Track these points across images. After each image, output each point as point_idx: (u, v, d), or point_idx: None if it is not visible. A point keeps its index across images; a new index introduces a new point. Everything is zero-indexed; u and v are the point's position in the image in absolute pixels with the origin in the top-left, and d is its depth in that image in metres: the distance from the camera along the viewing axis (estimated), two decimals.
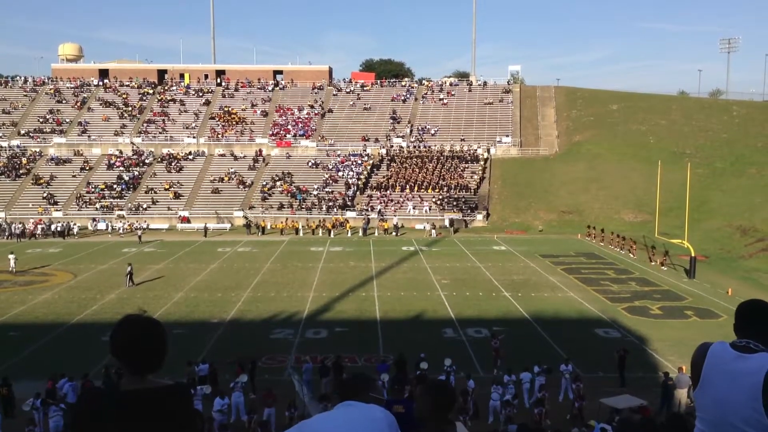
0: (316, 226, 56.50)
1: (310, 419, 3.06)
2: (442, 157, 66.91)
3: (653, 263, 42.12)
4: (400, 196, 61.36)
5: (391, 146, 69.95)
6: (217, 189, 63.92)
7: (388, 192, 62.09)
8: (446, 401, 3.46)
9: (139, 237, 52.17)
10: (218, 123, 74.33)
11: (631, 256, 44.66)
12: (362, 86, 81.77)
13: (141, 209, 60.64)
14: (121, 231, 55.69)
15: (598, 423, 14.91)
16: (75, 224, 56.62)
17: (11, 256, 39.97)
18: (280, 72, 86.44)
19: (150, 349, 2.88)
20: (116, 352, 2.87)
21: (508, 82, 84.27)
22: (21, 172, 66.09)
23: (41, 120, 74.17)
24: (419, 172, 64.22)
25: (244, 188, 64.08)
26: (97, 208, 60.71)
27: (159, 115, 75.55)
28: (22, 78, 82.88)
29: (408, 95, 79.47)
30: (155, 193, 63.21)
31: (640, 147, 67.08)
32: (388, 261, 42.60)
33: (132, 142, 71.18)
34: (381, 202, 60.56)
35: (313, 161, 67.87)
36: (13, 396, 19.64)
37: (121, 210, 60.26)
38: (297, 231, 55.96)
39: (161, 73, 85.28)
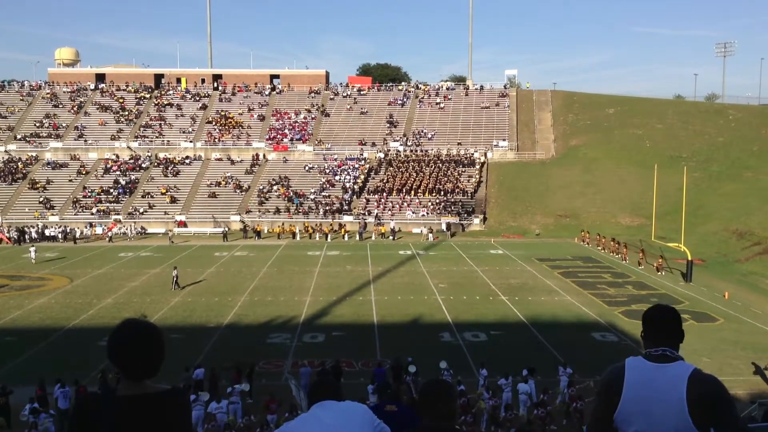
0: (313, 230, 56.48)
1: (291, 421, 3.10)
2: (439, 161, 66.95)
3: (641, 267, 42.12)
4: (397, 200, 61.39)
5: (388, 150, 69.96)
6: (214, 193, 63.86)
7: (385, 196, 62.10)
8: (429, 399, 3.48)
9: (170, 239, 53.47)
10: (215, 127, 74.28)
11: (624, 261, 44.51)
12: (359, 90, 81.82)
13: (138, 214, 60.56)
14: (111, 236, 55.79)
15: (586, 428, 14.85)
16: (80, 229, 57.13)
17: (32, 249, 44.96)
18: (277, 76, 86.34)
19: (147, 354, 2.87)
20: (113, 356, 2.87)
21: (504, 86, 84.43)
22: (17, 176, 65.98)
23: (38, 124, 74.00)
24: (416, 176, 64.24)
25: (241, 192, 64.03)
26: (93, 213, 60.62)
27: (156, 120, 75.48)
28: (19, 82, 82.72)
29: (405, 99, 79.54)
30: (152, 197, 63.15)
31: (636, 151, 67.27)
32: (385, 265, 42.59)
33: (129, 147, 71.11)
34: (378, 207, 60.58)
35: (309, 165, 67.90)
36: (9, 406, 19.18)
37: (118, 214, 60.18)
38: (294, 235, 55.93)
39: (158, 78, 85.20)
